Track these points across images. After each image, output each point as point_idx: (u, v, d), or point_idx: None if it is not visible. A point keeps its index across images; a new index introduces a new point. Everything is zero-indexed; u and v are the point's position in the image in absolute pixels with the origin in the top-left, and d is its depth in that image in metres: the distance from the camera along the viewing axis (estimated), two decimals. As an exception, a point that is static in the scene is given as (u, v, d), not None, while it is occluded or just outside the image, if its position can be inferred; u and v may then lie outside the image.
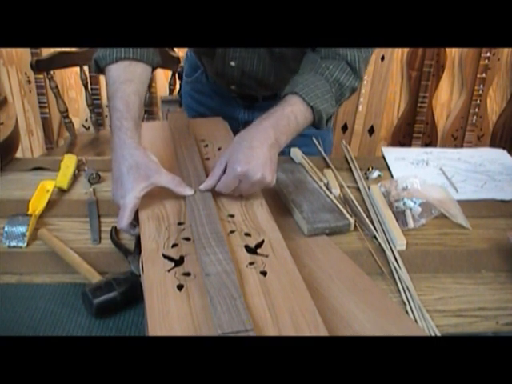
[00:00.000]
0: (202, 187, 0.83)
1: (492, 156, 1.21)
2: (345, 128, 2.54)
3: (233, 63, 1.12)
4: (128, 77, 0.88)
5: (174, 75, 1.98)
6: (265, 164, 0.80)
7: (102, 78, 2.40)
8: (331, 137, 1.38)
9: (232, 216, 0.79)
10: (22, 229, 0.87)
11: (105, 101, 2.44)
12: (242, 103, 1.24)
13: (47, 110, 2.47)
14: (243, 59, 1.11)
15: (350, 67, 0.94)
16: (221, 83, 1.22)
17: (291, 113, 0.88)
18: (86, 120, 2.45)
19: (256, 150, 0.80)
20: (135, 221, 0.81)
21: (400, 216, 0.94)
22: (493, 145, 2.53)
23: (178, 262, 0.69)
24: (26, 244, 0.86)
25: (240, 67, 1.13)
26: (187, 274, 0.66)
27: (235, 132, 1.11)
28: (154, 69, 0.96)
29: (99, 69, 0.92)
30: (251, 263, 0.68)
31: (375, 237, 0.89)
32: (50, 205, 0.97)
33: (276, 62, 1.11)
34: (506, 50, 2.41)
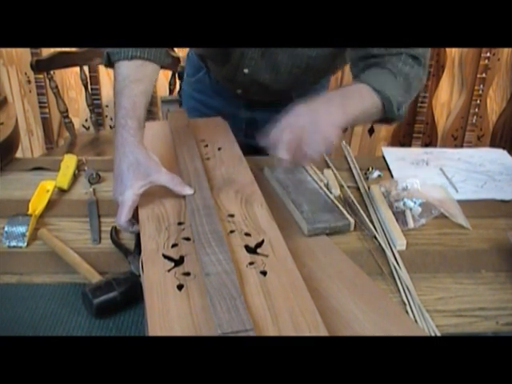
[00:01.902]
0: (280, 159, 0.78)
1: (492, 156, 1.21)
2: (345, 128, 2.54)
3: (246, 70, 1.12)
4: (138, 76, 0.88)
5: (174, 75, 1.98)
6: (330, 116, 0.80)
7: (102, 78, 2.41)
8: None
9: (232, 216, 0.79)
10: (21, 229, 0.87)
11: (105, 101, 2.44)
12: (245, 103, 1.24)
13: (47, 110, 2.47)
14: (258, 68, 1.10)
15: (411, 58, 0.91)
16: (227, 86, 1.22)
17: (358, 92, 0.86)
18: (86, 120, 2.45)
19: (320, 107, 0.81)
20: (134, 218, 0.81)
21: (400, 216, 0.94)
22: (493, 145, 2.52)
23: (178, 261, 0.69)
24: (26, 244, 0.86)
25: (252, 75, 1.12)
26: (187, 274, 0.66)
27: (236, 130, 1.12)
28: (162, 68, 0.95)
29: (110, 61, 0.91)
30: (251, 263, 0.68)
31: (375, 237, 0.89)
32: (50, 205, 0.97)
33: (293, 73, 1.09)
34: (506, 50, 2.41)
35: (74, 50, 1.91)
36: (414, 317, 0.71)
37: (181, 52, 1.84)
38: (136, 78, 0.87)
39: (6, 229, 0.87)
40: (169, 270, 0.67)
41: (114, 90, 0.88)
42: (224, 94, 1.24)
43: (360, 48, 0.94)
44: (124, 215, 0.79)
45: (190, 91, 1.34)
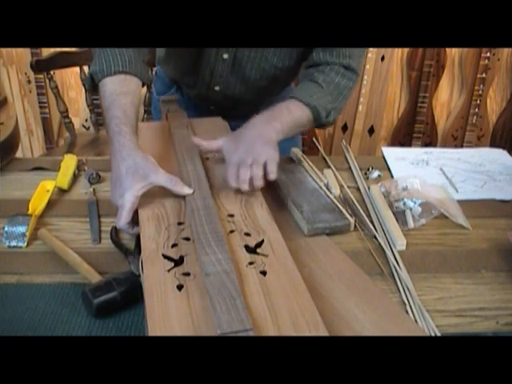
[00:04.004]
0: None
1: (492, 156, 1.21)
2: (345, 128, 2.54)
3: (217, 88, 1.17)
4: (124, 89, 0.91)
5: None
6: (255, 141, 0.88)
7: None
8: (298, 137, 1.39)
9: (232, 216, 0.79)
10: (21, 229, 0.87)
11: (105, 101, 2.43)
12: (219, 115, 1.24)
13: (47, 110, 2.47)
14: (228, 84, 1.15)
15: (343, 68, 1.02)
16: (200, 104, 1.25)
17: (285, 107, 0.95)
18: (86, 120, 2.45)
19: (243, 135, 0.90)
20: (133, 220, 0.81)
21: (400, 216, 0.94)
22: (493, 145, 2.52)
23: (178, 262, 0.69)
24: (26, 244, 0.86)
25: (223, 91, 1.17)
26: (187, 274, 0.66)
27: None
28: (143, 85, 0.99)
29: (94, 83, 0.95)
30: (251, 263, 0.68)
31: (375, 237, 0.89)
32: (50, 205, 0.97)
33: (260, 84, 1.15)
34: (506, 50, 2.41)
35: (73, 49, 1.90)
36: (414, 317, 0.71)
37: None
38: (122, 91, 0.90)
39: (6, 229, 0.87)
40: (169, 270, 0.67)
41: (103, 107, 0.91)
42: (197, 110, 1.25)
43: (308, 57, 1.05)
44: (124, 217, 0.79)
45: (160, 107, 1.34)
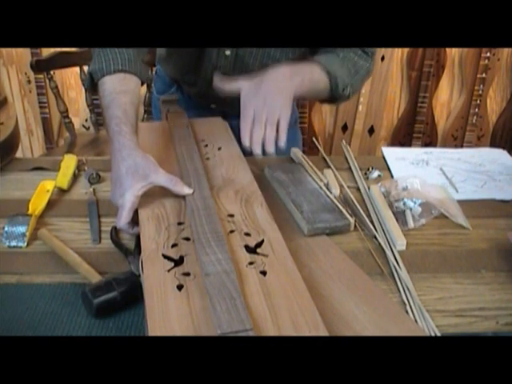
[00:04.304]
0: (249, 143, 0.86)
1: (492, 156, 1.21)
2: (345, 128, 2.54)
3: None
4: (123, 88, 0.91)
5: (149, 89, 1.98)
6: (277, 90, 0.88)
7: (102, 78, 2.40)
8: (298, 135, 1.39)
9: (232, 216, 0.79)
10: (21, 229, 0.87)
11: (105, 101, 2.43)
12: (219, 114, 1.24)
13: (47, 110, 2.47)
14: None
15: (360, 50, 1.04)
16: (201, 102, 1.24)
17: (309, 67, 0.96)
18: (86, 120, 2.45)
19: (264, 82, 0.89)
20: (134, 220, 0.81)
21: (400, 216, 0.94)
22: (493, 145, 2.52)
23: (178, 262, 0.69)
24: (26, 244, 0.86)
25: None
26: (187, 274, 0.66)
27: None
28: (142, 84, 0.98)
29: (93, 82, 0.94)
30: (251, 263, 0.68)
31: (375, 237, 0.89)
32: (50, 205, 0.97)
33: None
34: (506, 50, 2.41)
35: (74, 49, 1.91)
36: (414, 317, 0.71)
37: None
38: (122, 90, 0.90)
39: (6, 229, 0.87)
40: (169, 270, 0.67)
41: (103, 106, 0.90)
42: (198, 108, 1.25)
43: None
44: (124, 217, 0.79)
45: (160, 106, 1.34)
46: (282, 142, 0.86)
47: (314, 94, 1.01)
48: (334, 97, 1.01)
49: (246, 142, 0.86)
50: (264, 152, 0.87)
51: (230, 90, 0.95)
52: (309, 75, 0.94)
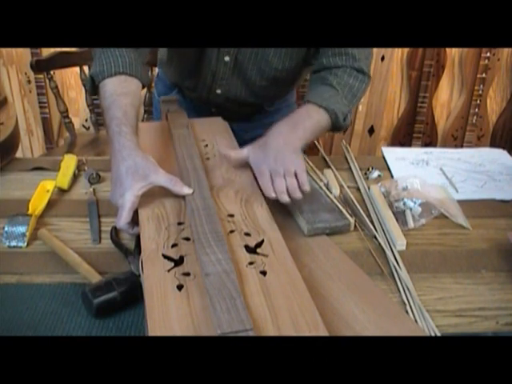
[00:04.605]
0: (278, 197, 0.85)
1: (492, 156, 1.21)
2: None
3: (219, 91, 1.17)
4: (124, 90, 0.91)
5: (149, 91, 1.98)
6: (280, 150, 0.88)
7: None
8: None
9: (232, 216, 0.79)
10: (21, 229, 0.87)
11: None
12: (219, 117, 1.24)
13: (47, 110, 2.47)
14: (229, 86, 1.15)
15: (355, 71, 1.02)
16: (201, 106, 1.24)
17: (305, 111, 0.94)
18: (86, 120, 2.45)
19: (268, 144, 0.89)
20: (133, 221, 0.81)
21: (400, 216, 0.94)
22: (493, 145, 2.52)
23: (178, 262, 0.69)
24: (26, 244, 0.86)
25: (225, 94, 1.17)
26: (187, 274, 0.66)
27: None
28: (143, 87, 0.99)
29: (94, 85, 0.95)
30: (251, 263, 0.68)
31: (375, 237, 0.89)
32: (50, 205, 0.97)
33: (261, 86, 1.15)
34: (506, 50, 2.41)
35: (74, 49, 1.90)
36: (414, 317, 0.71)
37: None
38: (122, 92, 0.91)
39: (6, 229, 0.87)
40: (169, 270, 0.67)
41: (103, 107, 0.91)
42: (198, 112, 1.25)
43: (315, 62, 1.06)
44: (124, 217, 0.79)
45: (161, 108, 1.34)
46: (306, 187, 0.85)
47: (319, 134, 1.00)
48: (336, 128, 1.00)
49: (270, 194, 0.84)
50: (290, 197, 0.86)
51: (237, 159, 0.93)
52: (308, 121, 0.93)
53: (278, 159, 0.86)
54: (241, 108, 1.22)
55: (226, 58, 1.09)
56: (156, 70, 1.38)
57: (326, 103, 0.95)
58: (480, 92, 2.45)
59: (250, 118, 1.03)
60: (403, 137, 2.56)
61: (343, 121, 0.98)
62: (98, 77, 0.93)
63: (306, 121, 0.93)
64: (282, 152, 0.87)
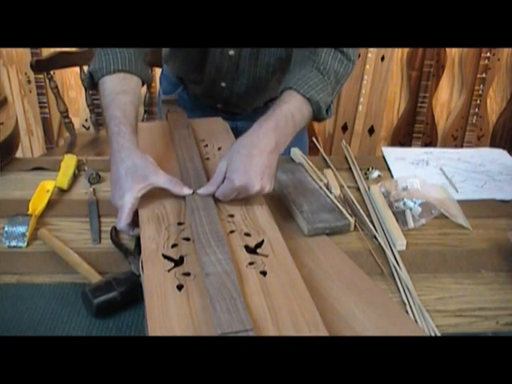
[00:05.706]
0: (200, 191, 0.82)
1: (492, 156, 1.21)
2: (345, 128, 2.54)
3: (223, 84, 1.16)
4: (123, 88, 0.90)
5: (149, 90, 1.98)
6: (263, 173, 0.80)
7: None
8: (306, 138, 1.39)
9: (232, 216, 0.79)
10: (21, 229, 0.87)
11: (105, 101, 2.43)
12: (225, 116, 1.23)
13: (47, 110, 2.47)
14: (234, 79, 1.14)
15: (340, 53, 0.95)
16: (206, 102, 1.24)
17: (288, 111, 0.87)
18: (86, 120, 2.45)
19: (255, 158, 0.80)
20: (133, 222, 0.81)
21: (400, 216, 0.94)
22: (493, 145, 2.52)
23: (178, 262, 0.69)
24: (26, 244, 0.86)
25: (230, 87, 1.16)
26: (187, 274, 0.66)
27: None
28: (143, 84, 0.98)
29: (93, 82, 0.94)
30: (251, 263, 0.68)
31: (375, 237, 0.89)
32: (50, 205, 0.97)
33: (266, 78, 1.14)
34: (506, 50, 2.41)
35: (74, 49, 1.90)
36: (414, 317, 0.71)
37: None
38: (122, 90, 0.90)
39: (6, 229, 0.87)
40: (169, 270, 0.67)
41: (103, 106, 0.90)
42: (204, 108, 1.25)
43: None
44: (124, 219, 0.79)
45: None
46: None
47: (301, 128, 0.92)
48: (317, 119, 0.93)
49: (219, 197, 0.81)
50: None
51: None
52: (291, 124, 0.86)
53: (246, 179, 0.79)
54: (246, 102, 1.21)
55: (231, 52, 1.09)
56: (157, 70, 1.38)
57: (311, 93, 0.89)
58: (480, 92, 2.45)
59: (254, 116, 1.01)
60: (403, 137, 2.56)
61: (326, 112, 0.93)
62: (97, 74, 0.92)
63: (288, 124, 0.86)
64: (255, 171, 0.79)
